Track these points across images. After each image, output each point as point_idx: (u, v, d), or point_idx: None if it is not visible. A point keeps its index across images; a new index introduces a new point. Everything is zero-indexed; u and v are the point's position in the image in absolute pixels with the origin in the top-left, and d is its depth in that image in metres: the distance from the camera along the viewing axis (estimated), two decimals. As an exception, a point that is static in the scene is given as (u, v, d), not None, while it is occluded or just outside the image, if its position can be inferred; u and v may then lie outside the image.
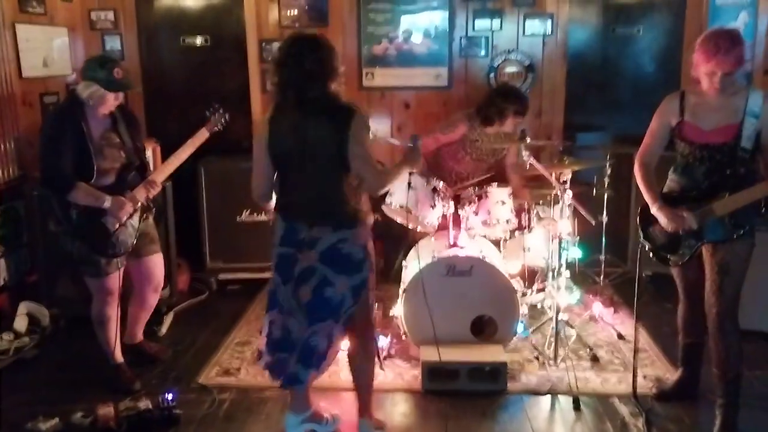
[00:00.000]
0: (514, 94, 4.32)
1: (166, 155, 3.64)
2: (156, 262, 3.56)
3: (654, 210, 2.99)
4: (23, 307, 4.09)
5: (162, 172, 3.50)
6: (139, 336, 3.75)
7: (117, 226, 3.25)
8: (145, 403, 3.12)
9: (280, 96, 2.68)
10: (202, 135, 3.59)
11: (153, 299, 3.65)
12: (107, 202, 3.18)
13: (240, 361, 3.78)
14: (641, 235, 3.15)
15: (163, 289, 4.32)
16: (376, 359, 3.09)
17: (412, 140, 2.91)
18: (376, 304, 3.11)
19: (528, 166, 3.72)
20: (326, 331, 2.77)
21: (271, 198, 2.87)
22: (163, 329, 4.21)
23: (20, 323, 4.02)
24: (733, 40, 2.77)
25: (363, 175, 2.64)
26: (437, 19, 5.08)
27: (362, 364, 2.98)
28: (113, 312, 3.41)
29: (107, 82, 3.13)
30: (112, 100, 3.21)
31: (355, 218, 2.72)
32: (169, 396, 3.15)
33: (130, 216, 3.31)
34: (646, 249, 3.14)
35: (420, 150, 2.91)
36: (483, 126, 4.30)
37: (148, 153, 4.11)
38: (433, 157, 4.44)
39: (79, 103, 3.18)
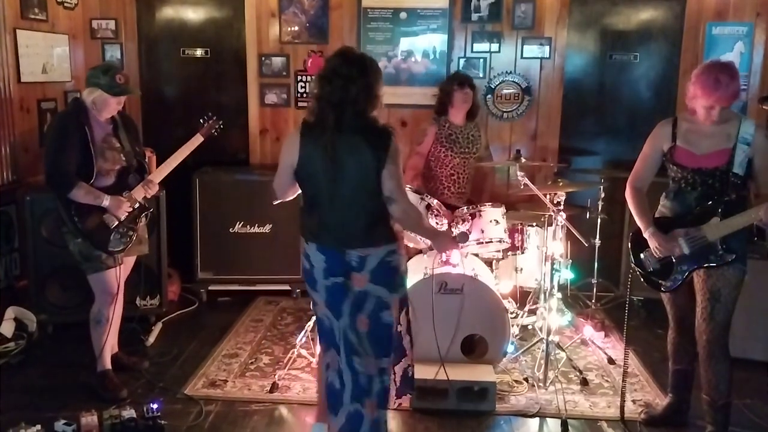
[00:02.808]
0: (450, 76, 4.69)
1: (161, 164, 3.69)
2: (131, 262, 3.70)
3: (647, 235, 3.00)
4: (11, 312, 4.06)
5: (159, 173, 3.63)
6: (115, 346, 3.74)
7: (116, 223, 3.37)
8: (129, 413, 3.08)
9: (317, 112, 2.57)
10: (197, 140, 3.73)
11: (121, 299, 3.63)
12: (106, 201, 3.31)
13: (227, 373, 3.75)
14: (632, 261, 3.15)
15: (152, 299, 4.36)
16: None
17: (459, 236, 2.94)
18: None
19: (522, 187, 3.73)
20: (391, 369, 2.71)
21: (286, 199, 2.81)
22: (151, 339, 4.18)
23: (7, 328, 3.98)
24: (732, 74, 2.82)
25: (394, 196, 2.54)
26: (436, 41, 5.13)
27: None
28: (111, 314, 3.47)
29: (109, 87, 3.30)
30: (114, 105, 3.37)
31: (396, 233, 2.65)
32: (155, 406, 3.11)
33: (129, 215, 3.42)
34: (638, 274, 3.14)
35: (451, 246, 2.91)
36: (445, 116, 4.47)
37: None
38: (426, 171, 4.49)
39: (83, 108, 3.34)
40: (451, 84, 4.45)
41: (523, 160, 3.88)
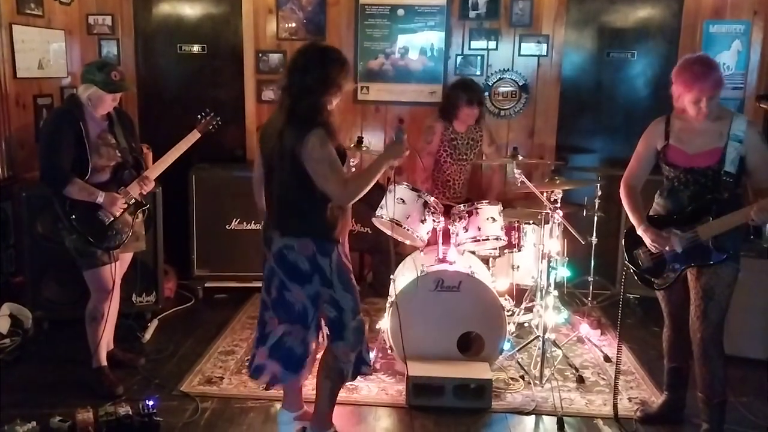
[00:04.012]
0: (462, 85, 4.50)
1: (158, 160, 3.68)
2: (128, 258, 3.70)
3: (640, 231, 3.00)
4: (6, 308, 4.05)
5: (155, 169, 3.62)
6: (111, 343, 3.72)
7: (111, 219, 3.37)
8: (125, 409, 3.08)
9: (279, 100, 2.75)
10: (194, 136, 3.73)
11: (117, 296, 3.62)
12: (100, 197, 3.31)
13: (223, 370, 3.75)
14: (626, 258, 3.16)
15: (148, 295, 4.36)
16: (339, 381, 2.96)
17: (396, 132, 2.76)
18: (363, 323, 2.91)
19: (519, 184, 3.72)
20: (299, 336, 2.82)
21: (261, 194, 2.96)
22: (147, 336, 4.18)
23: (2, 324, 3.97)
24: (707, 64, 2.84)
25: (324, 189, 2.61)
26: (434, 38, 5.11)
27: (323, 378, 2.91)
28: (107, 311, 3.47)
29: (105, 84, 3.30)
30: (109, 101, 3.37)
31: (306, 229, 2.71)
32: (150, 403, 3.11)
33: (124, 211, 3.42)
34: (631, 272, 3.14)
35: (405, 142, 2.74)
36: (449, 123, 4.46)
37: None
38: (436, 172, 4.53)
39: (78, 104, 3.34)
40: (459, 98, 4.38)
41: (520, 157, 3.88)
